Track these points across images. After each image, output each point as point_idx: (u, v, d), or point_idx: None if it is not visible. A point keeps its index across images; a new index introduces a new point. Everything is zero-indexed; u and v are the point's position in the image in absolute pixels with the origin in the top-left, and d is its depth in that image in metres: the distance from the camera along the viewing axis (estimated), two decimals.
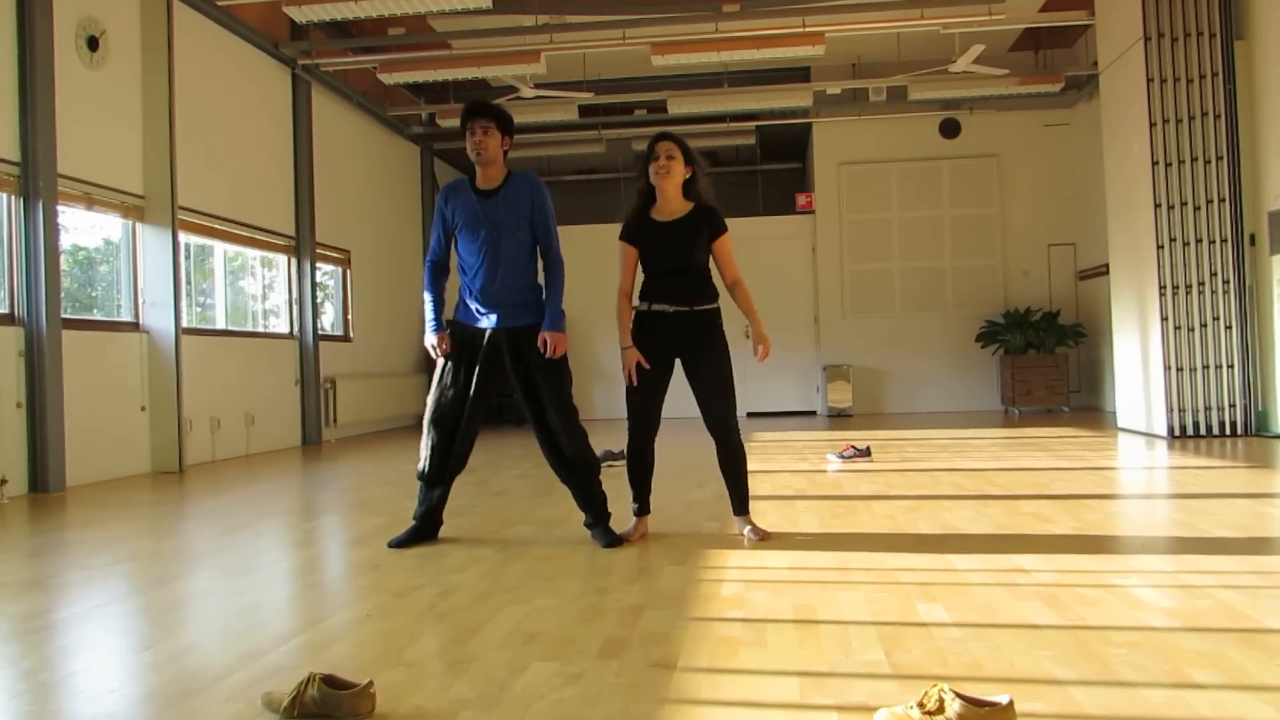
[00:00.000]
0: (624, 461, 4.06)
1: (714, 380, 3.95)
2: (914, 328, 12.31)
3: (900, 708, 1.93)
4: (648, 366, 3.90)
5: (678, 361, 3.98)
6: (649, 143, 3.95)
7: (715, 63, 9.86)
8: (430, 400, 4.05)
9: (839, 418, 11.67)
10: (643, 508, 4.04)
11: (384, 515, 4.92)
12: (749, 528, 3.97)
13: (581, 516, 4.09)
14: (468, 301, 4.04)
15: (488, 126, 3.92)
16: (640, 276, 3.99)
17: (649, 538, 4.03)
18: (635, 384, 3.92)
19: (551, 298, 3.99)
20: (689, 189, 3.95)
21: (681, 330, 3.91)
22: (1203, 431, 7.65)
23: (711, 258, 3.97)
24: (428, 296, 4.08)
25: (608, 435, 8.25)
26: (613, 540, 3.88)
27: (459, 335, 4.04)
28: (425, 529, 4.09)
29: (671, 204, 3.93)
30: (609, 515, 4.00)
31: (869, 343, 12.32)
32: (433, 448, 4.01)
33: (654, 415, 4.01)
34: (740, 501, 4.02)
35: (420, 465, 4.07)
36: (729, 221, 4.00)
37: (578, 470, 3.99)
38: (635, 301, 3.96)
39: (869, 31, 9.66)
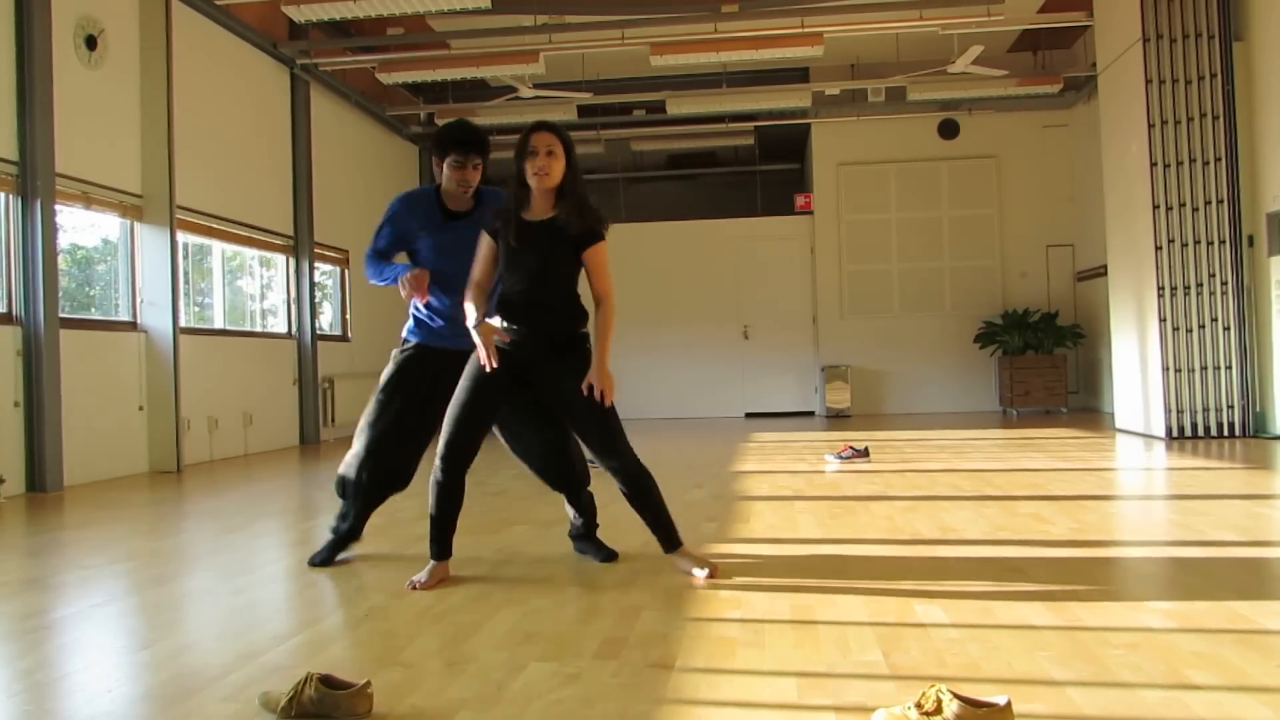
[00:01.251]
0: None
1: (582, 400, 3.21)
2: (912, 328, 12.31)
3: (898, 708, 1.93)
4: (496, 361, 3.19)
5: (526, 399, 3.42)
6: (524, 133, 3.26)
7: (714, 63, 9.87)
8: (378, 415, 3.59)
9: (837, 418, 11.67)
10: (443, 550, 3.34)
11: (381, 515, 4.90)
12: (691, 564, 3.34)
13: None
14: (432, 323, 3.64)
15: (479, 164, 3.56)
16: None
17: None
18: (490, 368, 3.20)
19: None
20: (562, 191, 3.26)
21: (534, 355, 3.27)
22: (1201, 433, 7.66)
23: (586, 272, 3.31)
24: (375, 266, 3.65)
25: None
26: (609, 555, 3.65)
27: (422, 357, 3.63)
28: (354, 537, 3.83)
29: (542, 205, 3.28)
30: (597, 527, 3.79)
31: (867, 343, 12.32)
32: (385, 466, 3.62)
33: (476, 435, 3.29)
34: (667, 538, 3.40)
35: (364, 481, 3.62)
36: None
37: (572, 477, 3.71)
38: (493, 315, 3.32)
39: (868, 32, 9.67)
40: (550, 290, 3.28)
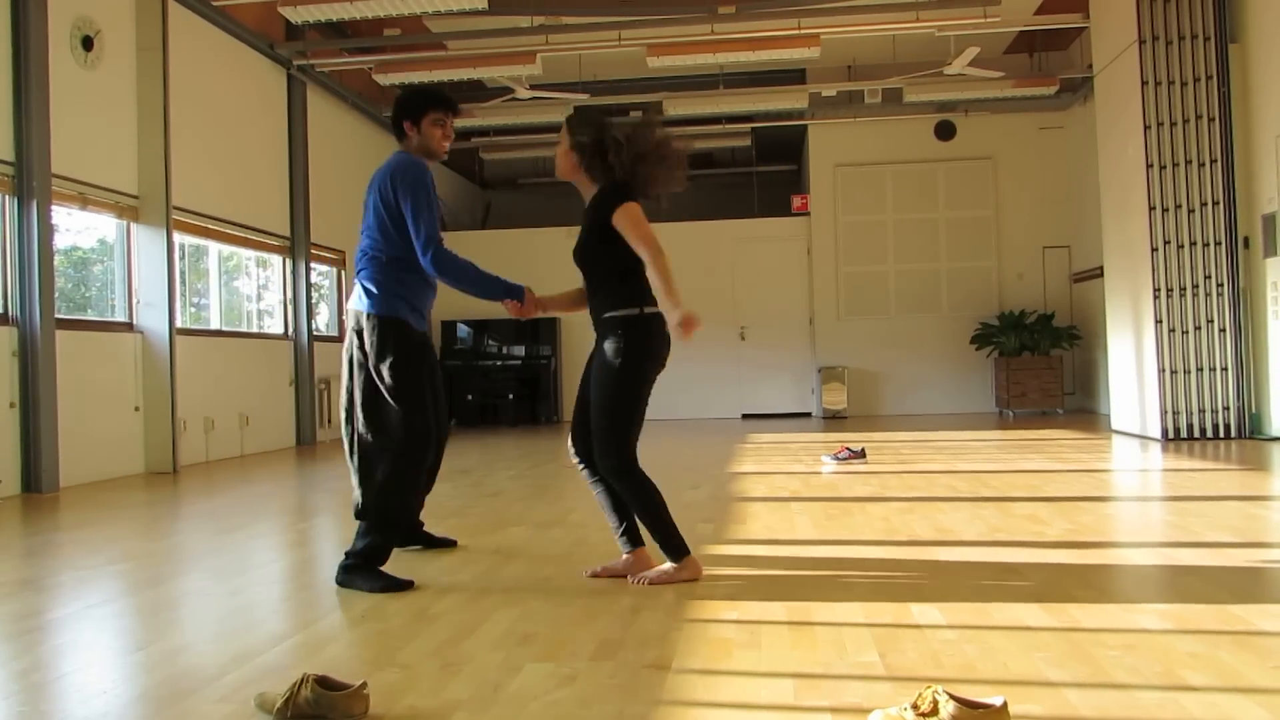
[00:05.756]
0: None
1: (591, 395, 3.24)
2: (909, 330, 12.31)
3: (894, 709, 1.93)
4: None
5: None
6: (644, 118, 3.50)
7: (711, 64, 9.87)
8: (421, 423, 3.30)
9: (834, 419, 11.67)
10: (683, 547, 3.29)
11: None
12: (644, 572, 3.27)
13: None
14: (421, 307, 3.49)
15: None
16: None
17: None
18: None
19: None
20: (595, 170, 3.29)
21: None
22: (1196, 434, 7.66)
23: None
24: (463, 268, 3.36)
25: None
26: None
27: (424, 340, 3.53)
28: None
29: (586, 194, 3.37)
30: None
31: (864, 345, 12.32)
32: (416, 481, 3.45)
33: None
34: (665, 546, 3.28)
35: (397, 505, 3.37)
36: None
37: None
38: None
39: (864, 34, 9.67)
40: (589, 272, 3.35)
